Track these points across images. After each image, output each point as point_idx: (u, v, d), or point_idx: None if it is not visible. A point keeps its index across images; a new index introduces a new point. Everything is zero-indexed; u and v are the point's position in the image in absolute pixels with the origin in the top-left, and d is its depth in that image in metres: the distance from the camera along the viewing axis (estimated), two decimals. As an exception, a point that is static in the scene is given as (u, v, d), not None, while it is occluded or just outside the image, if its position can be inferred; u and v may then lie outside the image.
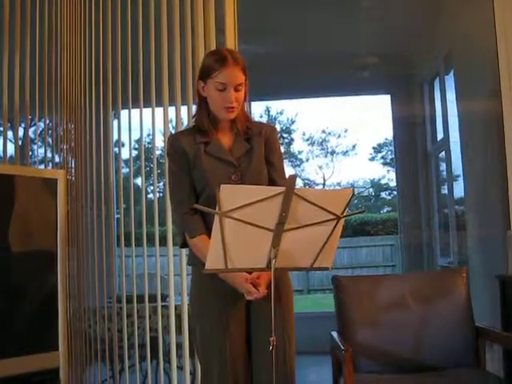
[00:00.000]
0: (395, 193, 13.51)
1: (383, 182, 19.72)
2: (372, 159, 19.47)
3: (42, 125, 4.26)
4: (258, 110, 17.88)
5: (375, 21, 5.98)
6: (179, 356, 3.82)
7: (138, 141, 4.07)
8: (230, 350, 2.46)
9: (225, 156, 2.51)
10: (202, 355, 2.55)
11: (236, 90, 2.44)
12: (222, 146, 2.53)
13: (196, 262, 2.49)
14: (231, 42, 3.73)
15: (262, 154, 2.56)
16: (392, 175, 18.03)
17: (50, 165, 3.89)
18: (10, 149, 3.87)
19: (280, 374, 2.35)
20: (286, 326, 2.50)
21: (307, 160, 19.92)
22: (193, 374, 3.88)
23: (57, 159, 3.93)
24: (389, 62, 6.52)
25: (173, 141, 2.58)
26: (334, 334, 3.34)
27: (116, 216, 4.11)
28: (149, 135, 4.38)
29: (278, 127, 18.46)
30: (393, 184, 17.38)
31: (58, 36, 3.87)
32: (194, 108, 3.43)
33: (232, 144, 2.55)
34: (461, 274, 3.50)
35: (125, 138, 4.06)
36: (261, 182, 2.49)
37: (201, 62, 2.59)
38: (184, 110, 3.80)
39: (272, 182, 2.53)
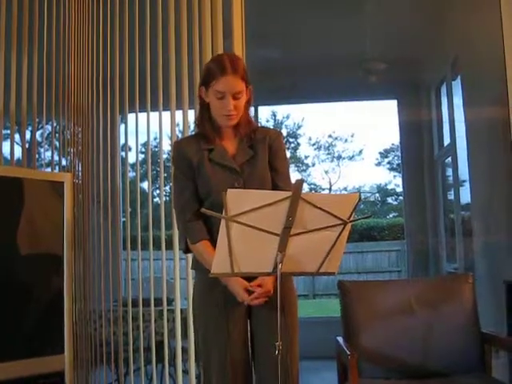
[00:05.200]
0: (401, 198, 13.48)
1: (389, 187, 19.70)
2: (378, 164, 19.45)
3: (49, 128, 4.28)
4: (264, 115, 17.91)
5: (382, 26, 5.99)
6: (184, 360, 3.82)
7: (145, 145, 4.08)
8: (232, 354, 2.46)
9: (228, 163, 2.50)
10: (203, 358, 2.56)
11: (235, 98, 2.44)
12: (225, 152, 2.53)
13: (199, 266, 2.50)
14: (238, 47, 3.73)
15: (265, 161, 2.55)
16: (398, 180, 18.01)
17: (57, 168, 3.91)
18: (18, 152, 3.88)
19: (282, 380, 2.35)
20: (289, 333, 2.47)
21: (313, 165, 19.91)
22: (198, 377, 3.87)
23: (64, 162, 3.95)
24: (396, 67, 6.51)
25: (178, 147, 2.59)
26: (340, 339, 3.33)
27: (122, 219, 4.11)
28: (156, 139, 4.39)
29: (284, 132, 18.45)
30: (399, 189, 17.36)
31: (66, 39, 3.89)
32: (193, 112, 3.45)
33: (236, 150, 2.54)
34: (467, 279, 3.49)
35: (132, 142, 4.07)
36: (264, 189, 2.46)
37: (202, 68, 2.59)
38: (191, 113, 3.79)
39: (275, 188, 2.51)
